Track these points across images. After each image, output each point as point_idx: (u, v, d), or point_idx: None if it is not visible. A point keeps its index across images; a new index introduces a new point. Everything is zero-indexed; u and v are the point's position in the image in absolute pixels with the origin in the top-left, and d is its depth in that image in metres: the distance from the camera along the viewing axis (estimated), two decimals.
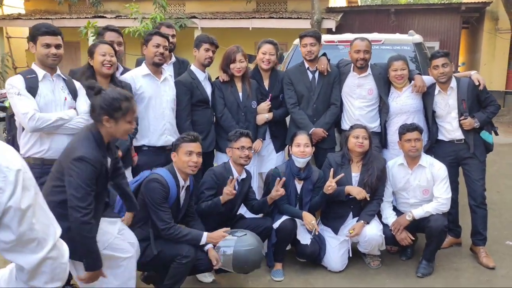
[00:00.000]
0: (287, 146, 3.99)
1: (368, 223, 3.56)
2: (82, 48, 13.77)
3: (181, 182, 3.07)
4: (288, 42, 9.59)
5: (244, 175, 3.49)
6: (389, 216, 3.65)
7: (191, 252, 2.88)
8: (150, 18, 11.51)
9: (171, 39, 3.94)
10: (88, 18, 11.87)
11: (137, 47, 13.06)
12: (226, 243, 2.98)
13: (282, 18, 12.39)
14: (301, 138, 3.57)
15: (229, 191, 3.18)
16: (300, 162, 3.55)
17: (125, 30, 11.22)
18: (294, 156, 3.58)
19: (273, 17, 12.44)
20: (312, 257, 3.60)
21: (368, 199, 3.55)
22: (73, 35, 12.54)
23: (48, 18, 12.99)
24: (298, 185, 3.63)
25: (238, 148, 3.37)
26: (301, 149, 3.53)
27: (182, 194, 3.12)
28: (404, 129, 3.60)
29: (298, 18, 12.20)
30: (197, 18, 12.55)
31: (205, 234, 3.00)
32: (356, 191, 3.53)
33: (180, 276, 2.92)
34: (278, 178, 3.45)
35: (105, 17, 12.54)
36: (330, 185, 3.50)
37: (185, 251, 2.86)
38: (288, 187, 3.57)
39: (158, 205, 2.88)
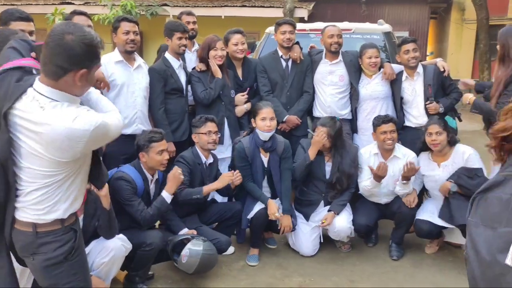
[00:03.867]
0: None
1: (338, 213, 3.61)
2: None
3: (149, 177, 3.15)
4: (261, 31, 9.60)
5: (211, 160, 3.51)
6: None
7: (155, 240, 2.97)
8: (120, 5, 11.28)
9: (192, 26, 3.98)
10: (55, 4, 11.58)
11: (107, 35, 12.78)
12: (194, 246, 3.04)
13: (255, 6, 12.35)
14: (266, 112, 3.47)
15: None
16: (266, 136, 3.50)
17: (94, 17, 11.01)
18: (259, 130, 3.51)
19: (245, 6, 12.39)
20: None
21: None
22: (40, 22, 12.15)
23: (14, 4, 12.52)
24: (265, 158, 3.60)
25: (205, 133, 3.38)
26: (267, 123, 3.46)
27: (152, 187, 3.20)
28: (380, 121, 3.62)
29: (270, 6, 12.19)
30: (168, 5, 12.37)
31: (167, 194, 3.07)
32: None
33: (146, 262, 3.03)
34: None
35: (73, 4, 12.22)
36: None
37: (149, 240, 2.95)
38: (255, 162, 3.56)
39: (128, 200, 2.96)
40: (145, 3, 12.26)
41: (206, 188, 3.31)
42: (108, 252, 2.72)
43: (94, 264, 2.70)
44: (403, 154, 3.67)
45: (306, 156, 3.57)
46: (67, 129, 1.61)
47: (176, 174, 3.08)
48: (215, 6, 12.34)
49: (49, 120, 1.62)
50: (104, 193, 2.60)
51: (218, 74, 3.77)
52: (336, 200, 3.68)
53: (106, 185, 2.52)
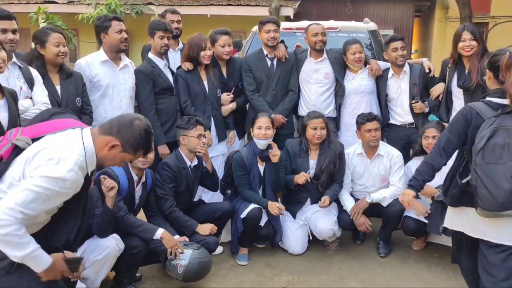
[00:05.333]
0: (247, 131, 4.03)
1: (330, 201, 3.62)
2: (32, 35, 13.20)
3: (135, 177, 3.11)
4: (247, 30, 9.60)
5: (196, 162, 3.49)
6: (348, 202, 3.75)
7: (140, 243, 2.94)
8: (105, 4, 11.18)
9: (176, 25, 3.93)
10: (38, 3, 11.39)
11: (91, 34, 12.67)
12: (191, 253, 3.02)
13: (240, 5, 12.36)
14: (263, 121, 3.57)
15: None
16: (261, 144, 3.57)
17: (78, 16, 10.90)
18: (255, 139, 3.59)
19: (231, 4, 12.39)
20: (267, 238, 3.68)
21: (309, 180, 3.60)
22: (22, 21, 11.99)
23: None
24: (261, 167, 3.66)
25: (196, 137, 3.34)
26: (263, 132, 3.54)
27: (138, 189, 3.16)
28: (364, 119, 3.66)
29: (256, 5, 12.21)
30: (153, 4, 12.30)
31: (161, 230, 3.02)
32: (299, 178, 3.58)
33: (133, 264, 3.02)
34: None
35: (57, 3, 12.09)
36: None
37: (135, 242, 2.92)
38: (252, 170, 3.61)
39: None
40: (130, 2, 12.15)
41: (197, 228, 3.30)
42: (103, 250, 2.71)
43: (87, 262, 2.66)
44: (387, 152, 3.71)
45: (291, 182, 3.64)
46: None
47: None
48: (201, 5, 12.32)
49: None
50: (112, 194, 2.66)
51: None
52: (330, 189, 3.68)
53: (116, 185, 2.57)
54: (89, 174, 2.00)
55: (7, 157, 1.90)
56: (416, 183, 2.53)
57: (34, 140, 1.94)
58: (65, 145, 1.89)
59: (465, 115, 2.31)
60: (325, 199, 3.60)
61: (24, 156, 1.90)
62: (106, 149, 1.93)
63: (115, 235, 2.82)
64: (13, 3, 12.40)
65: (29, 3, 12.19)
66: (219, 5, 12.35)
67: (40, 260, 1.86)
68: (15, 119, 2.57)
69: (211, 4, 12.36)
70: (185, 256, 3.00)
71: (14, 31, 2.83)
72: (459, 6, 10.22)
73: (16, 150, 1.91)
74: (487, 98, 2.32)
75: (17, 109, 2.64)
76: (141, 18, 11.49)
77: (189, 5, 12.25)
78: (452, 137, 2.36)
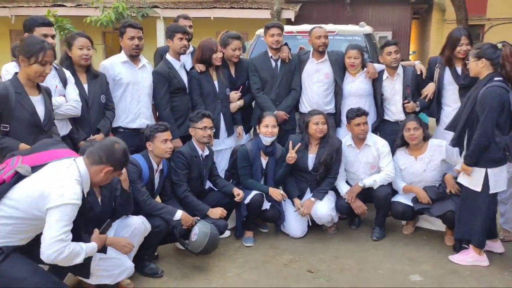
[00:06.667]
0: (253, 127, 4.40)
1: (321, 199, 4.00)
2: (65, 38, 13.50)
3: (154, 166, 3.49)
4: (249, 32, 9.94)
5: (207, 152, 3.86)
6: (343, 186, 4.13)
7: (162, 223, 3.33)
8: (112, 7, 11.56)
9: (188, 30, 4.26)
10: (47, 6, 11.75)
11: (98, 37, 13.04)
12: (202, 225, 3.39)
13: (243, 8, 12.70)
14: (269, 120, 3.94)
15: None
16: (267, 141, 3.96)
17: (86, 20, 11.28)
18: (262, 136, 3.97)
19: (234, 7, 12.73)
20: (274, 220, 4.06)
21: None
22: None
23: (5, 7, 12.73)
24: (264, 161, 4.05)
25: (201, 129, 3.71)
26: (269, 130, 3.92)
27: (156, 176, 3.55)
28: (354, 114, 4.03)
29: (258, 8, 12.54)
30: (159, 7, 12.65)
31: (180, 212, 3.42)
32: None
33: (153, 242, 3.40)
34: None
35: (65, 6, 12.42)
36: (291, 155, 3.93)
37: (157, 222, 3.31)
38: (255, 163, 3.99)
39: (134, 182, 3.27)
40: (136, 5, 12.53)
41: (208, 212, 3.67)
42: (129, 228, 3.10)
43: None
44: (374, 142, 4.09)
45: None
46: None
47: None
48: (205, 8, 12.66)
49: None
50: (124, 178, 3.01)
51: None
52: (317, 189, 4.07)
53: (125, 171, 2.91)
54: (85, 195, 2.49)
55: (9, 181, 2.34)
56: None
57: (33, 168, 2.40)
58: (65, 176, 2.34)
59: (499, 94, 3.20)
60: (305, 203, 4.00)
61: (29, 185, 2.34)
62: (102, 174, 2.47)
63: (141, 216, 3.21)
64: (23, 7, 12.76)
65: (39, 6, 12.53)
66: (222, 8, 12.70)
67: (91, 251, 2.52)
68: (49, 113, 2.97)
69: (214, 7, 12.70)
70: (198, 227, 3.36)
71: (53, 37, 3.22)
72: (455, 8, 10.52)
73: (17, 176, 2.35)
74: (495, 80, 3.25)
75: (51, 104, 3.03)
76: (147, 20, 11.85)
77: (194, 8, 12.60)
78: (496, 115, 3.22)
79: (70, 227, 2.32)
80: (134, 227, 3.12)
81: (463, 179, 3.52)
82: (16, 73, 2.89)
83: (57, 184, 2.29)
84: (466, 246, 3.58)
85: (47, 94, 3.00)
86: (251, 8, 12.61)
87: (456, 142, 3.49)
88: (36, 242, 2.38)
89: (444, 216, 3.76)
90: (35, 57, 2.75)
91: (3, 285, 2.34)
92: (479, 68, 3.36)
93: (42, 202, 2.26)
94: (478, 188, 3.39)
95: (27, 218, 2.32)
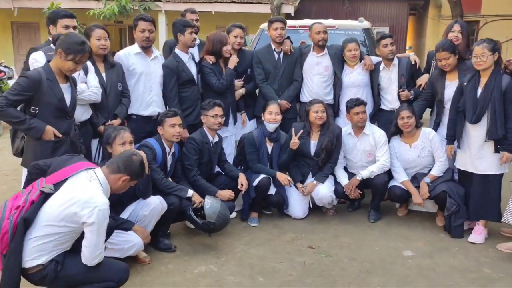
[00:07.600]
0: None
1: (322, 182, 4.30)
2: (41, 29, 13.73)
3: (167, 149, 3.76)
4: (249, 26, 10.17)
5: (217, 139, 4.13)
6: (341, 176, 4.41)
7: (176, 201, 3.61)
8: (115, 0, 11.75)
9: (195, 23, 4.47)
10: None
11: None
12: (213, 199, 3.67)
13: (244, 2, 12.94)
14: (273, 108, 4.23)
15: None
16: (271, 127, 4.24)
17: (89, 12, 11.47)
18: (266, 122, 4.25)
19: (234, 2, 12.96)
20: (278, 204, 4.35)
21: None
22: (33, 16, 12.52)
23: None
24: (269, 147, 4.32)
25: (212, 116, 3.97)
26: (273, 117, 4.21)
27: (169, 159, 3.82)
28: (352, 104, 4.29)
29: (258, 3, 12.78)
30: (161, 1, 12.86)
31: (191, 190, 3.72)
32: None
33: (167, 220, 3.67)
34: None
35: None
36: (294, 141, 4.21)
37: (171, 200, 3.59)
38: (261, 149, 4.27)
39: (149, 163, 3.51)
40: None
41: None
42: (149, 207, 3.38)
43: (138, 217, 3.39)
44: (372, 131, 4.35)
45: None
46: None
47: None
48: (206, 2, 12.87)
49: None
50: (144, 161, 3.23)
51: (232, 65, 4.40)
52: (319, 173, 4.36)
53: (144, 155, 3.14)
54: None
55: (37, 200, 2.51)
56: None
57: (55, 184, 2.55)
58: (91, 189, 2.49)
59: None
60: (308, 185, 4.29)
61: (58, 202, 2.47)
62: (120, 182, 2.66)
63: (159, 196, 3.49)
64: None
65: None
66: (223, 2, 12.92)
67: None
68: (74, 100, 3.24)
69: (215, 2, 12.92)
70: (208, 199, 3.63)
71: (74, 28, 3.47)
72: (451, 5, 10.76)
73: (44, 195, 2.50)
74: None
75: (76, 92, 3.30)
76: (148, 14, 12.04)
77: (195, 2, 12.81)
78: None
79: (105, 235, 2.55)
80: (153, 206, 3.40)
81: (491, 168, 3.74)
82: (48, 61, 3.14)
83: (87, 197, 2.43)
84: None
85: (73, 82, 3.26)
86: (251, 2, 12.84)
87: (495, 133, 3.66)
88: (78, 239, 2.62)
89: (438, 197, 4.05)
90: (73, 55, 3.00)
91: (70, 284, 2.57)
92: (493, 61, 3.65)
93: (76, 218, 2.41)
94: (505, 169, 3.78)
95: (65, 232, 2.46)
